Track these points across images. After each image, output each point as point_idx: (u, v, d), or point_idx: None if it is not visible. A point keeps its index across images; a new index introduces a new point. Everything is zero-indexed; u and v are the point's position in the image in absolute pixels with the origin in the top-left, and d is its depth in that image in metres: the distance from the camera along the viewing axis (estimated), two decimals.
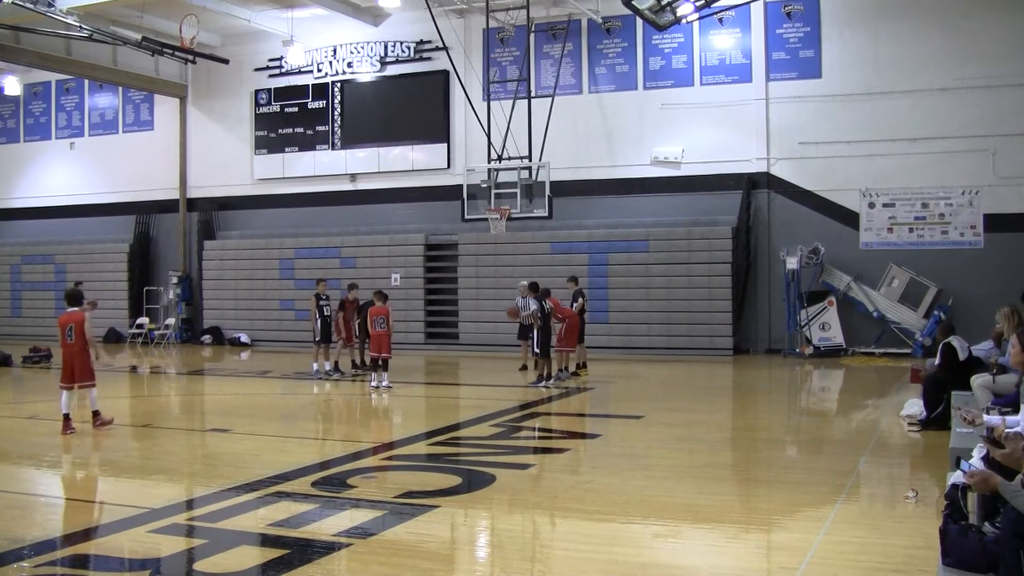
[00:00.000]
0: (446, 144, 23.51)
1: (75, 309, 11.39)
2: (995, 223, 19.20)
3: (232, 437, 11.19)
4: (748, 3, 19.99)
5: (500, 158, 19.70)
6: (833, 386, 16.97)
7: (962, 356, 10.98)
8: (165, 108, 26.98)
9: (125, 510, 7.43)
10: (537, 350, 15.38)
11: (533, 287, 15.67)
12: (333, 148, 24.85)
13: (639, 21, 19.93)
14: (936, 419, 10.52)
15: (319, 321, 16.87)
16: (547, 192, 18.99)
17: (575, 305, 16.71)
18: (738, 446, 10.90)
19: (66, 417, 11.03)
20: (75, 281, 23.06)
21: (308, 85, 25.05)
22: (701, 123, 21.34)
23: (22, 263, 28.49)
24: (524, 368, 17.32)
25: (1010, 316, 10.37)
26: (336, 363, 17.31)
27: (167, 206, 26.95)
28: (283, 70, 25.19)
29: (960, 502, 5.15)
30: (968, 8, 19.45)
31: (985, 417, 6.88)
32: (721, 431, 11.97)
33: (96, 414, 11.32)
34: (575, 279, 17.74)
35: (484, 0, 20.35)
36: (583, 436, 11.53)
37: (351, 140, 24.69)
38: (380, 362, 15.33)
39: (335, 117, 24.82)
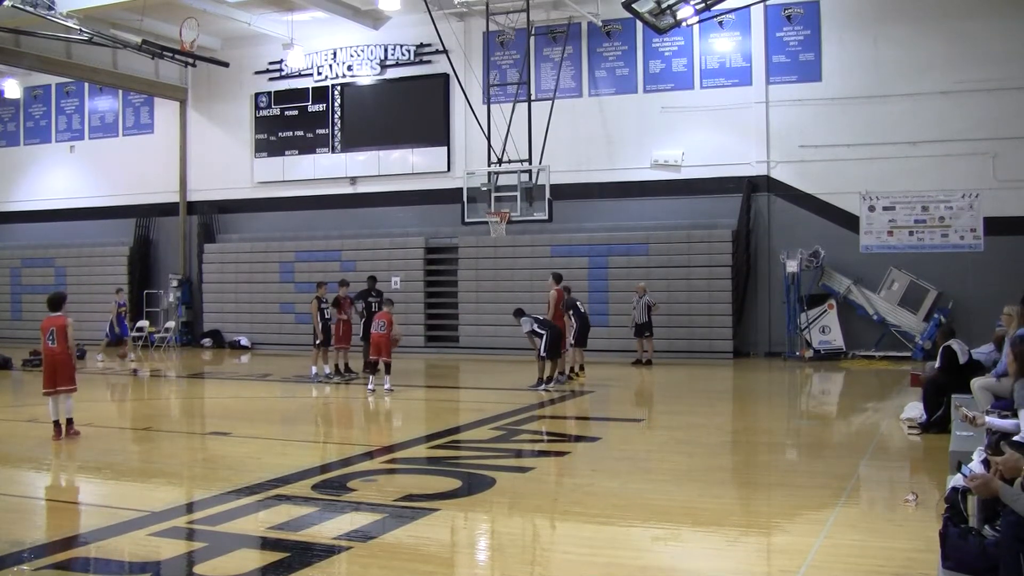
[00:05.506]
0: (446, 147, 23.52)
1: (57, 314, 11.07)
2: (995, 226, 19.21)
3: (232, 440, 11.17)
4: (748, 6, 20.01)
5: (500, 161, 19.68)
6: (833, 389, 16.95)
7: (962, 359, 10.97)
8: (165, 111, 27.01)
9: (125, 513, 7.42)
10: (544, 353, 15.38)
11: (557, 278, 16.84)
12: (333, 151, 24.86)
13: (639, 24, 19.97)
14: (936, 422, 10.52)
15: (320, 324, 16.88)
16: (547, 195, 18.97)
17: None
18: (738, 449, 10.89)
19: (56, 424, 10.88)
20: (117, 287, 23.32)
21: (308, 88, 25.07)
22: (701, 126, 21.35)
23: (22, 266, 28.51)
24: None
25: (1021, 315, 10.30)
26: (337, 366, 17.30)
27: (167, 209, 26.96)
28: (283, 73, 25.22)
29: (960, 505, 5.15)
30: (968, 11, 19.47)
31: (986, 418, 6.89)
32: (721, 434, 11.96)
33: (70, 423, 10.95)
34: (559, 278, 17.01)
35: (484, 3, 20.37)
36: (583, 439, 11.52)
37: (351, 143, 24.70)
38: (380, 365, 15.34)
39: (335, 120, 24.83)
